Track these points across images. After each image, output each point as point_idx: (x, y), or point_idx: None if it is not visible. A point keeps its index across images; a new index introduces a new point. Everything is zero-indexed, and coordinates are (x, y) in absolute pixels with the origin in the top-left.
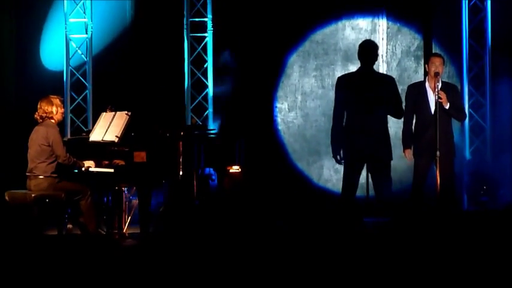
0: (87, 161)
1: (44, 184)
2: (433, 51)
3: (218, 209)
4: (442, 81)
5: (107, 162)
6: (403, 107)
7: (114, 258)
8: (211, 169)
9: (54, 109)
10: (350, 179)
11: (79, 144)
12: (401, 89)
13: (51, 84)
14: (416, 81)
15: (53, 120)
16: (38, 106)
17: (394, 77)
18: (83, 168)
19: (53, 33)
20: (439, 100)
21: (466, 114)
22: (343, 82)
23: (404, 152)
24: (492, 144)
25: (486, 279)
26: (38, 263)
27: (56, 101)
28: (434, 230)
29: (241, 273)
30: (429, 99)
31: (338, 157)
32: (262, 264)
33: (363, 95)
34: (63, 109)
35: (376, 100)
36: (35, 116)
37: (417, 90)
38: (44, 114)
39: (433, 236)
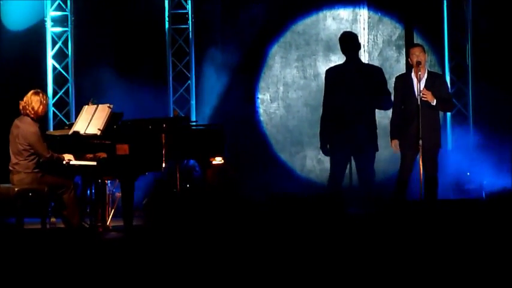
0: (66, 154)
1: (27, 179)
2: (415, 41)
3: (202, 200)
4: (428, 71)
5: (90, 155)
6: (392, 98)
7: (98, 251)
8: (195, 161)
9: (40, 108)
10: (336, 170)
11: (62, 138)
12: None
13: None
14: (403, 72)
15: (32, 116)
16: (27, 96)
17: None
18: (64, 162)
19: None
20: (424, 99)
21: (454, 104)
22: (332, 74)
23: (391, 142)
24: (475, 133)
25: (471, 269)
26: (21, 257)
27: (45, 101)
28: (419, 220)
29: (226, 265)
30: (415, 90)
31: (326, 148)
32: (247, 257)
33: (352, 86)
34: (46, 108)
35: (364, 91)
36: (20, 102)
37: (404, 81)
38: (28, 107)
39: (417, 226)
